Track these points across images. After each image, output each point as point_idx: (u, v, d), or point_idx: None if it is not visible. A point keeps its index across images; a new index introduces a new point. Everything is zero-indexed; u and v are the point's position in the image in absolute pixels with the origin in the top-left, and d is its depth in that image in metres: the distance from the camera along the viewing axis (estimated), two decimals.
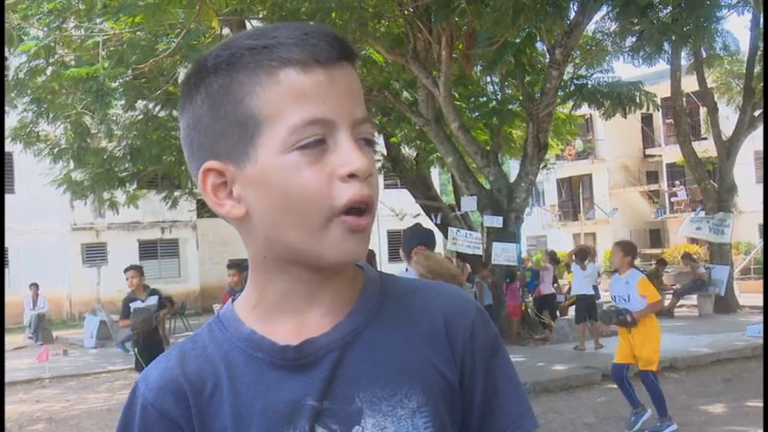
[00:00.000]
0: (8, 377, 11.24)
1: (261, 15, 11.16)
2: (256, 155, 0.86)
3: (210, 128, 0.88)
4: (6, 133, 14.81)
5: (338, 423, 0.88)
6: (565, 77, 12.68)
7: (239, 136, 0.86)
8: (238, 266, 9.27)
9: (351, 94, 0.87)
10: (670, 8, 11.55)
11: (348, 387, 0.89)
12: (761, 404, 6.84)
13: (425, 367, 0.91)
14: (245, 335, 0.92)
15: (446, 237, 14.25)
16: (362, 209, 0.86)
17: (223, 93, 0.87)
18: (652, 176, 33.21)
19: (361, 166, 0.84)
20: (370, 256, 12.04)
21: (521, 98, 13.80)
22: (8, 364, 12.89)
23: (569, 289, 14.22)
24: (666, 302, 16.18)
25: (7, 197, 20.63)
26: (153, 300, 8.46)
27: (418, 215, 19.24)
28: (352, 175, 0.84)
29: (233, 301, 0.98)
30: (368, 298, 0.94)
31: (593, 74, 13.60)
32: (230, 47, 0.88)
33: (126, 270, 8.78)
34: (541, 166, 13.65)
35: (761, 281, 18.40)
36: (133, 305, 8.38)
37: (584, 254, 12.57)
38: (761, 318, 12.61)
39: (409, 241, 5.02)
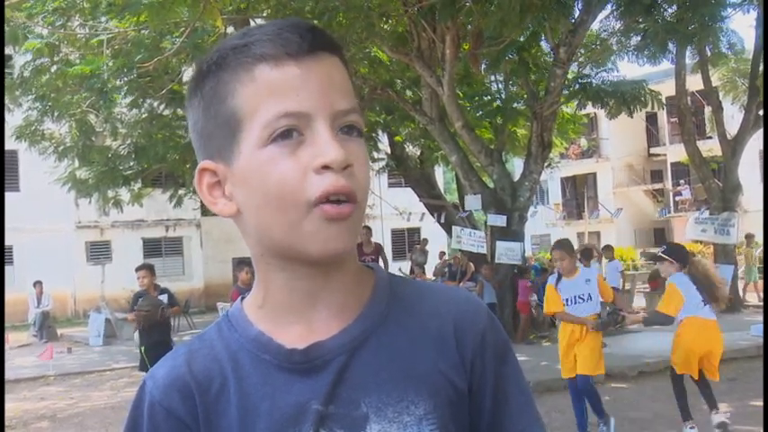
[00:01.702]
0: (13, 374, 11.29)
1: (265, 14, 11.16)
2: (240, 152, 0.87)
3: (204, 129, 0.91)
4: (11, 131, 14.86)
5: (343, 428, 0.88)
6: (569, 76, 12.65)
7: (226, 135, 0.88)
8: (250, 264, 9.30)
9: (330, 86, 0.87)
10: (675, 7, 11.53)
11: (354, 392, 0.89)
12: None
13: (433, 373, 0.91)
14: (253, 336, 0.92)
15: (450, 235, 14.24)
16: (341, 200, 0.85)
17: (212, 94, 0.89)
18: (656, 175, 33.17)
19: (336, 157, 0.83)
20: (378, 249, 11.98)
21: (525, 97, 13.78)
22: (13, 361, 12.94)
23: None
24: None
25: (12, 195, 20.70)
26: (163, 297, 8.54)
27: (423, 215, 19.28)
28: (326, 167, 0.84)
29: (242, 299, 0.98)
30: (377, 302, 0.94)
31: (597, 73, 13.57)
32: (220, 49, 0.90)
33: (137, 269, 8.83)
34: (545, 164, 13.63)
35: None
36: (140, 302, 8.44)
37: (589, 253, 12.54)
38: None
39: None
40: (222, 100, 0.88)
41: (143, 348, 8.48)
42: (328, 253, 0.86)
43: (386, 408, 0.88)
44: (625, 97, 12.35)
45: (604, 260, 14.29)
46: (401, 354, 0.91)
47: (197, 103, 0.91)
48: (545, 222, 33.59)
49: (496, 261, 12.26)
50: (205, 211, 24.98)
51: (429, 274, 18.96)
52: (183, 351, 0.96)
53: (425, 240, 21.27)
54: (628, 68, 46.82)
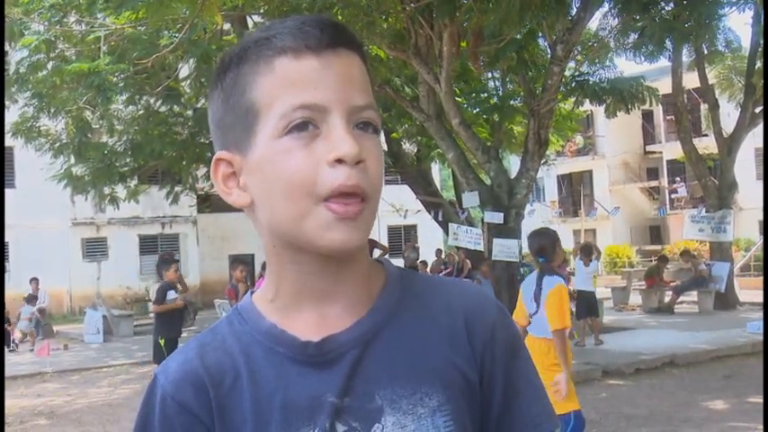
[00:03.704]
0: (9, 372, 11.27)
1: (262, 11, 11.15)
2: (256, 142, 0.87)
3: (223, 120, 0.91)
4: (7, 128, 14.81)
5: (358, 420, 0.88)
6: (566, 74, 12.66)
7: (243, 125, 0.88)
8: (245, 263, 9.46)
9: (349, 81, 0.87)
10: (672, 5, 11.54)
11: (368, 385, 0.89)
12: (761, 400, 6.85)
13: (446, 366, 0.91)
14: (266, 328, 0.93)
15: (447, 232, 14.25)
16: (352, 194, 0.85)
17: (232, 85, 0.89)
18: (652, 173, 33.19)
19: (349, 151, 0.84)
20: (371, 245, 11.97)
21: (522, 94, 13.78)
22: (9, 358, 12.92)
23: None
24: (667, 299, 16.23)
25: (8, 192, 20.63)
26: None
27: (419, 211, 19.28)
28: (340, 161, 0.84)
29: (252, 293, 0.98)
30: (388, 295, 0.94)
31: (595, 70, 13.58)
32: (243, 42, 0.91)
33: (170, 261, 9.12)
34: (542, 162, 13.64)
35: (761, 277, 18.42)
36: (170, 294, 8.64)
37: (588, 249, 12.54)
38: (760, 314, 12.62)
39: None
40: (242, 92, 0.88)
41: (163, 341, 8.55)
42: (337, 248, 0.87)
43: (400, 400, 0.89)
44: (623, 95, 12.36)
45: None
46: (414, 346, 0.91)
47: (217, 95, 0.92)
48: (541, 220, 33.60)
49: (493, 258, 12.27)
50: (201, 208, 24.97)
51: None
52: (194, 345, 0.95)
53: (415, 237, 21.24)
54: (624, 66, 46.91)
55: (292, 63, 0.86)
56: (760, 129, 16.14)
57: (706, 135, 24.20)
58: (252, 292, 0.99)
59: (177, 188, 18.32)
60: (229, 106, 0.90)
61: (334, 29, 0.88)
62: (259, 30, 0.91)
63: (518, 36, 11.24)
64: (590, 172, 34.27)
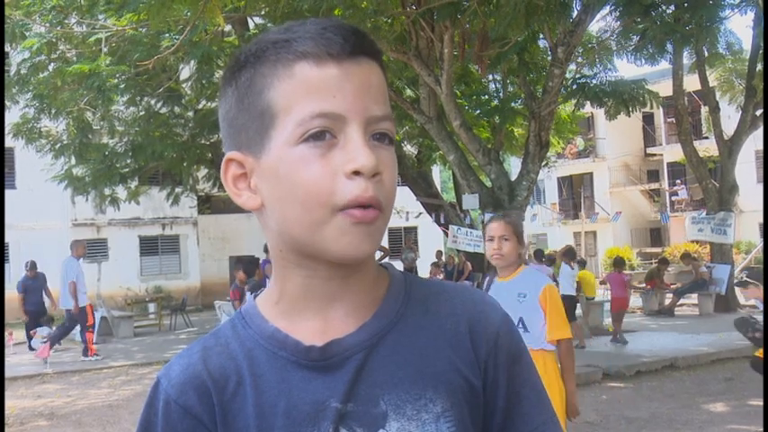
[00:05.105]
0: (9, 372, 11.26)
1: (263, 13, 11.16)
2: (270, 146, 0.86)
3: (236, 119, 0.90)
4: (8, 129, 14.84)
5: (362, 426, 0.88)
6: (567, 76, 12.66)
7: (258, 127, 0.87)
8: (250, 263, 9.62)
9: (367, 91, 0.86)
10: (673, 7, 11.54)
11: (372, 390, 0.89)
12: (761, 403, 6.84)
13: (450, 371, 0.91)
14: (269, 332, 0.92)
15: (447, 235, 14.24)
16: (368, 206, 0.85)
17: (248, 85, 0.88)
18: (653, 175, 33.21)
19: (367, 163, 0.83)
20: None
21: (523, 96, 13.78)
22: (9, 359, 12.92)
23: None
24: (667, 301, 16.21)
25: (8, 193, 20.64)
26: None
27: (420, 214, 19.29)
28: (357, 173, 0.83)
29: (255, 297, 0.98)
30: (393, 299, 0.94)
31: (596, 73, 13.58)
32: (260, 41, 0.89)
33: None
34: (543, 164, 13.64)
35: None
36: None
37: (572, 253, 12.57)
38: (761, 317, 12.61)
39: None
40: (258, 92, 0.87)
41: None
42: (349, 256, 0.86)
43: (405, 405, 0.88)
44: (623, 97, 12.36)
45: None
46: (418, 352, 0.91)
47: (231, 93, 0.91)
48: (542, 222, 33.62)
49: None
50: (201, 209, 25.00)
51: (420, 273, 18.95)
52: (197, 348, 0.95)
53: (415, 240, 21.25)
54: (625, 68, 46.96)
55: (313, 69, 0.85)
56: (760, 131, 16.13)
57: (707, 137, 24.22)
58: (255, 296, 0.98)
59: (178, 189, 18.36)
60: (244, 106, 0.89)
61: (357, 37, 0.87)
62: (277, 31, 0.89)
63: (519, 38, 11.25)
64: (590, 174, 34.28)
